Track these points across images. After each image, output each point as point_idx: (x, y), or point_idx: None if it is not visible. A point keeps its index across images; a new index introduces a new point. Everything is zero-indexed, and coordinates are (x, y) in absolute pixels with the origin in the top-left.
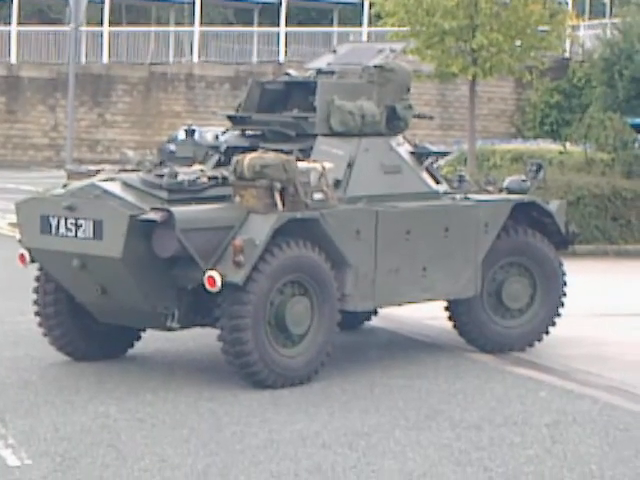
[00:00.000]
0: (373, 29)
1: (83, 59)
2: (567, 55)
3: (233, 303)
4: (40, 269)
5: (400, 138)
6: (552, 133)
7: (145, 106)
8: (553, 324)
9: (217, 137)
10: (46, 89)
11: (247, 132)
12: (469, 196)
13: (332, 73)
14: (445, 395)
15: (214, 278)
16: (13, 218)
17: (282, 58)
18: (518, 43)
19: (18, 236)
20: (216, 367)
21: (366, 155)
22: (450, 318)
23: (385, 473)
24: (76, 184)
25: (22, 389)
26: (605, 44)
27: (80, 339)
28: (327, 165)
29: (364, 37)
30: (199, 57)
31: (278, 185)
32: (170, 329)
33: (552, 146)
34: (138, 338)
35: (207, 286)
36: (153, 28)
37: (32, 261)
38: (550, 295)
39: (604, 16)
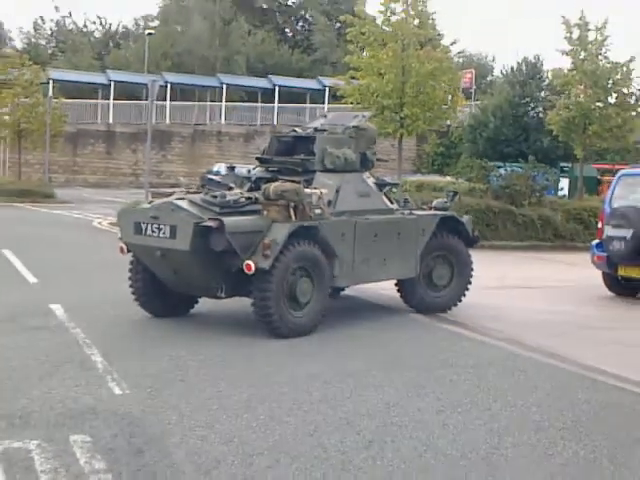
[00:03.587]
0: (333, 106)
1: (154, 120)
2: (449, 122)
3: (262, 281)
4: (133, 256)
5: (368, 174)
6: (438, 171)
7: (191, 151)
8: (464, 295)
9: (249, 171)
10: (131, 139)
11: (270, 168)
12: (412, 212)
13: (324, 130)
14: (400, 344)
15: (250, 265)
16: (112, 219)
17: (275, 122)
18: (429, 114)
19: (118, 234)
20: (250, 324)
21: (347, 185)
22: (398, 290)
23: (371, 401)
24: (158, 201)
25: (121, 337)
26: (471, 116)
27: (159, 302)
28: (323, 191)
29: (325, 111)
30: (225, 121)
31: (292, 204)
32: (219, 298)
33: (439, 178)
34: (197, 302)
35: (245, 270)
36: (196, 103)
37: (128, 251)
38: (463, 276)
39: (472, 99)
